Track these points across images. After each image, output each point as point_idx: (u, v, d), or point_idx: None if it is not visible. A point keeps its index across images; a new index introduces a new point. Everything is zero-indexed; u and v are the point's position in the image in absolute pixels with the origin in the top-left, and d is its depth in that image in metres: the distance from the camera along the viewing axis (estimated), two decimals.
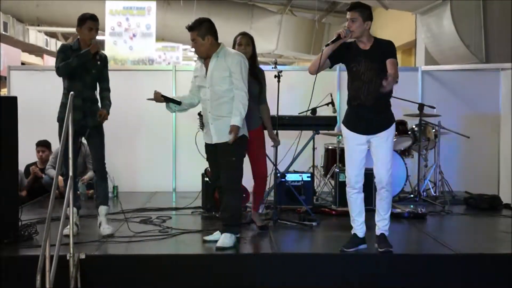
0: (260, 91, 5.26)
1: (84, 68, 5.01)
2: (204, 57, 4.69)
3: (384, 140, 4.55)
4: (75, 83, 5.00)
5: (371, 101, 4.50)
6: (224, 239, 4.62)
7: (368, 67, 4.49)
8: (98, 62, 5.08)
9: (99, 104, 5.18)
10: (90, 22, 5.01)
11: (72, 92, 4.56)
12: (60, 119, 4.96)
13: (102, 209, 5.11)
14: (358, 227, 4.71)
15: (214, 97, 4.62)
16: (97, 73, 5.09)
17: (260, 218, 5.44)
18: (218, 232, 4.82)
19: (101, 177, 5.15)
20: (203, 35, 4.61)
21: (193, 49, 4.57)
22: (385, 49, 4.53)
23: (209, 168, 5.17)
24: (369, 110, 4.52)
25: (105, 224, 5.08)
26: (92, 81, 5.09)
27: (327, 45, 4.53)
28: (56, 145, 6.21)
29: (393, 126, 4.59)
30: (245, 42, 5.20)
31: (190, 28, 4.63)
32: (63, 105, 5.02)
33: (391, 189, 4.59)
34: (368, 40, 4.54)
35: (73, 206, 4.73)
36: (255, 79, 5.17)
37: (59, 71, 4.98)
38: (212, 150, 4.78)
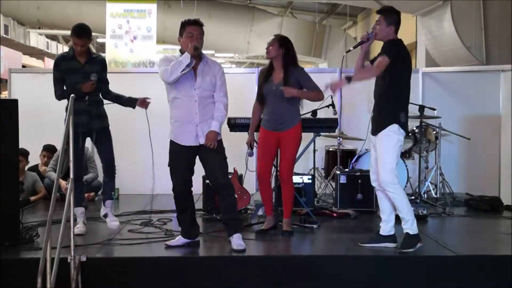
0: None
1: (84, 75, 5.13)
2: (195, 52, 4.60)
3: (382, 140, 4.56)
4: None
5: (375, 100, 4.66)
6: (239, 241, 4.62)
7: None
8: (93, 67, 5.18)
9: (104, 106, 5.34)
10: (75, 39, 5.06)
11: (73, 95, 4.59)
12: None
13: (109, 203, 5.47)
14: (380, 224, 4.79)
15: (202, 99, 4.67)
16: (97, 75, 5.18)
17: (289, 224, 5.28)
18: (179, 236, 4.80)
19: (111, 177, 5.46)
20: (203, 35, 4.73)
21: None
22: (383, 48, 4.58)
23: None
24: (374, 111, 4.67)
25: (112, 217, 5.48)
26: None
27: (348, 51, 4.73)
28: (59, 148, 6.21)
29: (392, 127, 4.52)
30: (270, 43, 5.24)
31: (201, 24, 4.67)
32: (66, 109, 5.08)
33: (395, 189, 4.54)
34: None
35: (80, 206, 5.19)
36: (286, 79, 5.13)
37: (56, 98, 5.17)
38: (189, 152, 4.80)
